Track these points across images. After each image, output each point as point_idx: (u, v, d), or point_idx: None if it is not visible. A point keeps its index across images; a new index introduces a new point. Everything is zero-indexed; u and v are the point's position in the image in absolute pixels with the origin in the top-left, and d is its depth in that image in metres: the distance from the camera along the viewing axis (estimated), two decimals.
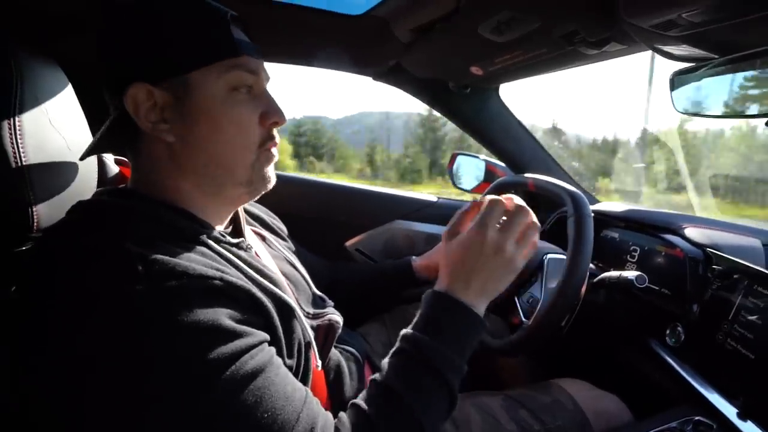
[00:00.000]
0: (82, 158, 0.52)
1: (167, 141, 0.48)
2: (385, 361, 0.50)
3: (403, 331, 0.51)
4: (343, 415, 0.46)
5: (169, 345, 0.37)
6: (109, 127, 0.49)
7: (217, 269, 0.43)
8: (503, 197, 0.55)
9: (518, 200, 0.56)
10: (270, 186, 0.54)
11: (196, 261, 0.42)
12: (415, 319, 0.51)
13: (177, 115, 0.47)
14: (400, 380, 0.47)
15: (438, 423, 0.47)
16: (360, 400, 0.47)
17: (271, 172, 0.54)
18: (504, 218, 0.54)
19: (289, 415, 0.40)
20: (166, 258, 0.40)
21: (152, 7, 0.46)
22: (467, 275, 0.52)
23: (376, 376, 0.49)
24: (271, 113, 0.51)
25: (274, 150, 0.53)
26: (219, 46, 0.47)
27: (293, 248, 0.75)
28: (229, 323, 0.40)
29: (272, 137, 0.52)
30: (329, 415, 0.45)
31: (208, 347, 0.38)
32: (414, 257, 0.90)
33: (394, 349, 0.50)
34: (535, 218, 0.56)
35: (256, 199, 0.55)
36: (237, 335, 0.40)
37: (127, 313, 0.37)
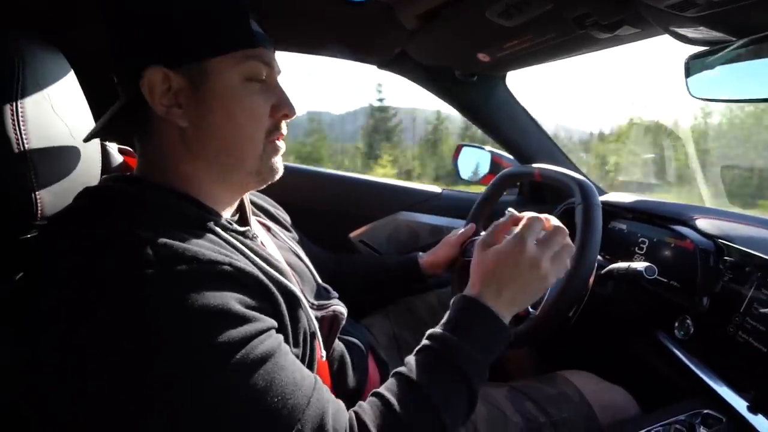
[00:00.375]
0: (86, 140, 0.52)
1: (180, 126, 0.48)
2: (411, 358, 0.50)
3: (431, 331, 0.51)
4: (363, 403, 0.46)
5: (178, 330, 0.37)
6: (119, 111, 0.49)
7: (226, 255, 0.43)
8: (543, 216, 0.57)
9: (555, 221, 0.58)
10: (278, 176, 0.55)
11: (205, 247, 0.42)
12: (443, 320, 0.52)
13: (191, 101, 0.47)
14: (426, 376, 0.47)
15: (457, 423, 0.47)
16: (384, 391, 0.47)
17: (279, 163, 0.54)
18: (543, 235, 0.56)
19: (299, 400, 0.40)
20: (176, 243, 0.40)
21: None
22: (499, 284, 0.53)
23: (402, 369, 0.49)
24: (282, 105, 0.52)
25: (280, 141, 0.54)
26: (238, 36, 0.48)
27: (297, 239, 0.75)
28: (239, 308, 0.40)
29: (279, 129, 0.53)
30: (340, 402, 0.45)
31: (217, 332, 0.38)
32: (420, 254, 0.90)
33: (420, 346, 0.51)
34: (570, 241, 0.57)
35: (263, 187, 0.56)
36: (246, 320, 0.40)
37: (137, 298, 0.37)
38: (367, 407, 0.45)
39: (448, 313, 0.53)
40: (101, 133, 0.51)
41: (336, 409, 0.43)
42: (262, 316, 0.42)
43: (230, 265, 0.42)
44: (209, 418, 0.37)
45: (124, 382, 0.37)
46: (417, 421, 0.44)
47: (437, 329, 0.51)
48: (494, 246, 0.56)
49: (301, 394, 0.41)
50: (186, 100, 0.47)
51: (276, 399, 0.39)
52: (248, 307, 0.41)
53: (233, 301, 0.40)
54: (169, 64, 0.46)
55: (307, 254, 0.71)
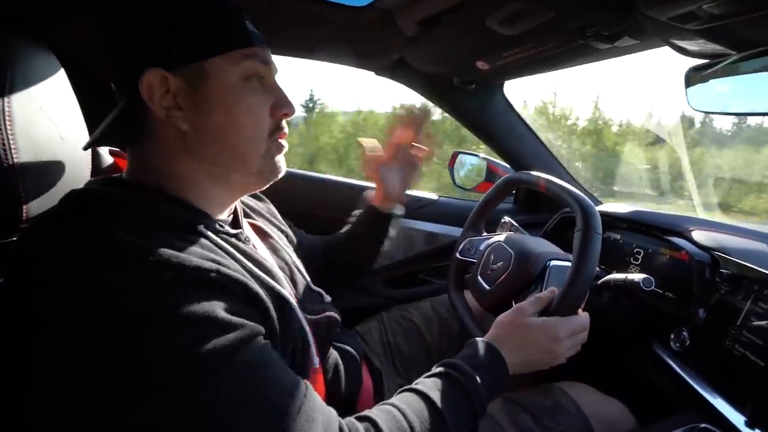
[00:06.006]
0: (86, 148, 0.51)
1: (180, 128, 0.47)
2: (429, 379, 0.52)
3: (452, 360, 0.54)
4: (374, 410, 0.46)
5: (163, 337, 0.36)
6: (117, 116, 0.48)
7: (214, 261, 0.42)
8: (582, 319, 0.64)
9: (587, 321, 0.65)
10: (280, 175, 0.54)
11: (192, 252, 0.41)
12: (464, 354, 0.57)
13: (191, 103, 0.47)
14: (444, 399, 0.48)
15: None
16: (400, 403, 0.47)
17: (281, 162, 0.54)
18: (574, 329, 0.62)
19: (287, 408, 0.39)
20: (162, 249, 0.39)
21: None
22: (519, 348, 0.59)
23: (419, 387, 0.50)
24: (281, 105, 0.52)
25: (283, 140, 0.54)
26: (234, 35, 0.48)
27: (293, 240, 0.74)
28: (225, 315, 0.39)
29: (281, 128, 0.53)
30: (332, 410, 0.44)
31: (202, 339, 0.37)
32: (365, 195, 0.88)
33: (439, 370, 0.53)
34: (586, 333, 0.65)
35: (265, 188, 0.55)
36: (232, 327, 0.39)
37: (118, 304, 0.36)
38: (380, 414, 0.46)
39: (469, 349, 0.57)
40: (101, 140, 0.50)
41: (327, 417, 0.42)
42: (249, 322, 0.41)
43: (217, 272, 0.41)
44: (195, 427, 0.36)
45: (110, 387, 0.35)
46: None
47: (460, 361, 0.54)
48: (531, 317, 0.61)
49: (291, 401, 0.40)
50: (185, 102, 0.47)
51: (264, 406, 0.38)
52: (234, 313, 0.40)
53: (219, 308, 0.39)
54: (168, 66, 0.45)
55: (301, 246, 0.71)
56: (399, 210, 0.86)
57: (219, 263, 0.42)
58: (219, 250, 0.46)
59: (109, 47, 0.48)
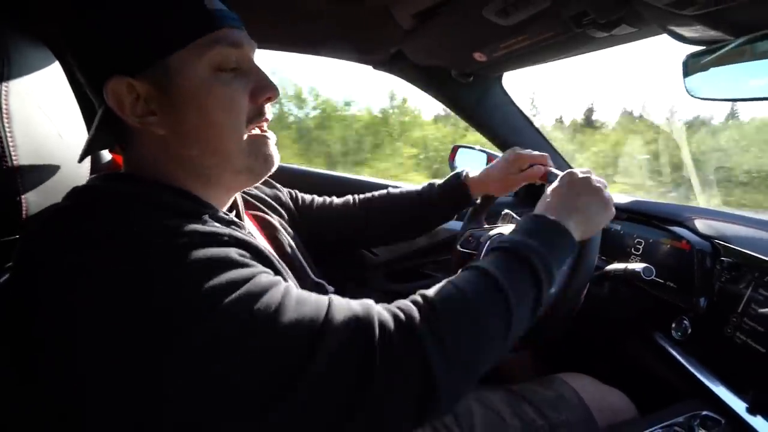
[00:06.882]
0: (80, 160, 0.50)
1: (158, 134, 0.45)
2: (482, 259, 0.48)
3: (500, 237, 0.52)
4: (426, 291, 0.43)
5: (182, 284, 0.35)
6: (98, 125, 0.46)
7: (226, 232, 0.42)
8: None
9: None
10: (273, 167, 0.51)
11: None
12: (512, 230, 0.53)
13: (164, 106, 0.44)
14: (494, 265, 0.45)
15: (524, 318, 0.45)
16: (452, 279, 0.45)
17: (271, 151, 0.51)
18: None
19: (319, 303, 0.39)
20: (170, 234, 0.38)
21: None
22: (568, 209, 0.54)
23: (474, 263, 0.47)
24: (262, 89, 0.48)
25: (266, 130, 0.50)
26: (193, 22, 0.43)
27: (298, 222, 0.74)
28: (239, 258, 0.39)
29: (262, 114, 0.49)
30: (369, 300, 0.43)
31: (219, 275, 0.36)
32: (464, 172, 0.81)
33: (489, 248, 0.51)
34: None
35: (259, 183, 0.53)
36: (248, 265, 0.39)
37: (131, 274, 0.35)
38: (431, 292, 0.43)
39: (516, 225, 0.53)
40: (91, 150, 0.49)
41: (365, 302, 0.41)
42: (263, 266, 0.42)
43: (229, 235, 0.41)
44: (236, 349, 0.35)
45: (136, 347, 0.34)
46: (487, 301, 0.43)
47: (506, 235, 0.51)
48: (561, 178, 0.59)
49: (320, 299, 0.40)
50: (159, 106, 0.44)
51: (298, 306, 0.38)
52: (248, 258, 0.40)
53: (233, 253, 0.39)
54: (129, 71, 0.43)
55: (330, 212, 0.77)
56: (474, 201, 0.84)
57: (230, 234, 0.42)
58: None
59: (72, 58, 0.45)
